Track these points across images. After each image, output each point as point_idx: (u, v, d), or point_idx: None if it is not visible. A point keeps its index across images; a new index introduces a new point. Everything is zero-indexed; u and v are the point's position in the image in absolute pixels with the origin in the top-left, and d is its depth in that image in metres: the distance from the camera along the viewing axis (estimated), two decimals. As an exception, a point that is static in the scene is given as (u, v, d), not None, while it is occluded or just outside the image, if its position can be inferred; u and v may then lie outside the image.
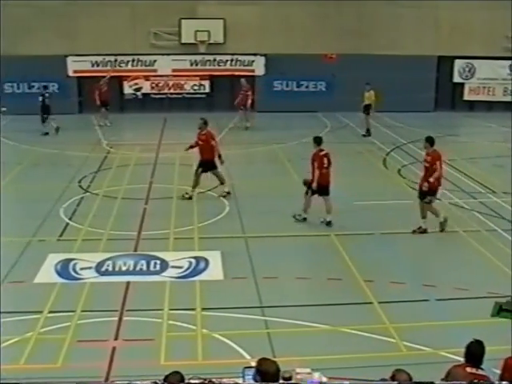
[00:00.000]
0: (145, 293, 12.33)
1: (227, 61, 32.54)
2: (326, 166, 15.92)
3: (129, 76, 32.69)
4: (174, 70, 32.56)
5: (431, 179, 14.98)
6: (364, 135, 27.34)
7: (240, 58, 32.45)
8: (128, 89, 32.87)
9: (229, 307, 11.42)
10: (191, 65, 32.57)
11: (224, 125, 28.42)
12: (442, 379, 7.05)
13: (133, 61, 32.34)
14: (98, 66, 32.30)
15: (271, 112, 30.82)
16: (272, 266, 13.42)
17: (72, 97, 32.30)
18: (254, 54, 32.28)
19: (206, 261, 13.72)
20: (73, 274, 13.20)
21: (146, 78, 32.74)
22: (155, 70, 32.60)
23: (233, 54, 32.38)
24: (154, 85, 32.87)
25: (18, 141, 25.98)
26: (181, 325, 10.91)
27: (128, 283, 12.70)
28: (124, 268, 13.48)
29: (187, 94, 32.89)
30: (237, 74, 31.97)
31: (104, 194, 18.85)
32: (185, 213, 17.06)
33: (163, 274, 13.20)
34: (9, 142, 25.99)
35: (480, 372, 7.07)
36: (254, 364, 6.55)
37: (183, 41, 31.88)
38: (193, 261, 13.73)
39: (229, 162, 20.64)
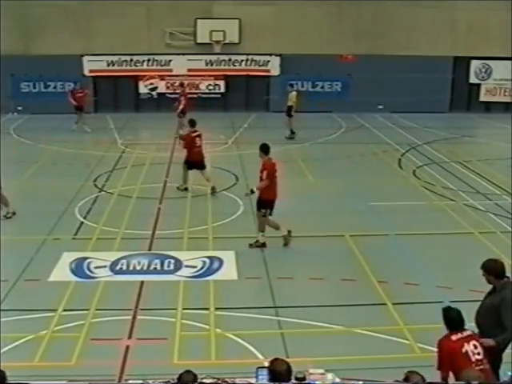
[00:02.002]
0: (159, 292, 12.35)
1: (242, 61, 32.58)
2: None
3: (144, 76, 32.81)
4: (189, 70, 32.66)
5: (254, 188, 14.44)
6: (288, 137, 26.75)
7: (255, 58, 32.48)
8: (143, 88, 32.99)
9: (242, 307, 11.42)
10: (206, 65, 32.65)
11: (239, 124, 28.45)
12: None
13: (148, 60, 32.47)
14: (113, 65, 32.46)
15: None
16: (286, 267, 13.42)
17: (88, 96, 32.38)
18: (270, 54, 32.30)
19: (220, 260, 13.73)
20: (87, 272, 13.24)
21: (162, 78, 32.85)
22: (170, 70, 32.73)
23: (248, 54, 32.42)
24: (169, 84, 32.96)
25: (34, 140, 26.14)
26: (194, 324, 10.91)
27: (142, 282, 12.72)
28: (138, 267, 13.50)
29: (202, 93, 32.98)
30: (252, 74, 32.03)
31: (119, 193, 18.91)
32: (199, 212, 17.08)
33: (177, 273, 13.22)
34: (25, 141, 26.18)
35: (466, 334, 7.39)
36: (266, 364, 6.55)
37: (198, 41, 31.98)
38: (207, 260, 13.73)
39: (244, 161, 20.69)
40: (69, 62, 31.10)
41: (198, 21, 31.62)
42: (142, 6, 31.15)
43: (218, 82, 32.99)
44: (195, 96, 32.55)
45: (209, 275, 13.10)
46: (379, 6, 31.47)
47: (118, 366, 9.52)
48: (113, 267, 13.44)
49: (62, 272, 13.22)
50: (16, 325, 10.91)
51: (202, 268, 13.40)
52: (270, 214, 14.50)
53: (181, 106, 26.52)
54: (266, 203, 14.41)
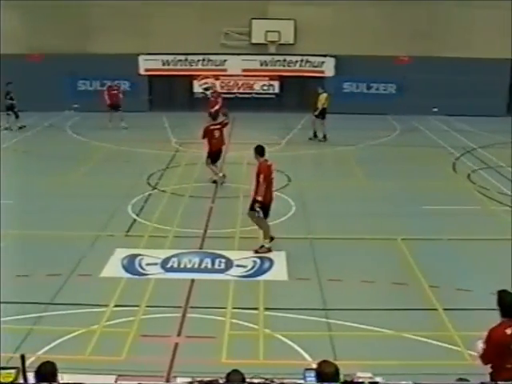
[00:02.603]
0: (209, 290, 12.41)
1: (297, 61, 32.52)
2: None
3: (199, 75, 32.99)
4: (243, 70, 32.74)
5: (258, 198, 14.02)
6: (311, 138, 26.65)
7: (310, 58, 32.39)
8: (198, 88, 33.16)
9: (292, 308, 11.41)
10: (261, 65, 32.68)
11: (293, 125, 28.42)
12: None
13: (203, 60, 32.66)
14: (168, 64, 32.73)
15: (340, 114, 30.62)
16: (336, 268, 13.34)
17: (143, 95, 32.80)
18: (324, 55, 32.17)
19: (271, 261, 13.73)
20: (139, 269, 13.38)
21: (216, 78, 32.98)
22: (225, 70, 32.85)
23: (303, 55, 32.34)
24: (223, 84, 33.09)
25: (89, 137, 26.54)
26: (243, 324, 10.94)
27: (192, 280, 12.80)
28: (189, 265, 13.59)
29: (256, 93, 33.04)
30: (306, 75, 31.96)
31: (171, 191, 19.06)
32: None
33: (228, 272, 13.27)
34: (81, 139, 26.60)
35: None
36: (314, 366, 6.52)
37: (253, 41, 32.05)
38: (257, 260, 13.75)
39: (297, 162, 20.65)
40: (125, 61, 31.48)
41: (254, 21, 31.69)
42: (199, 7, 31.30)
43: (272, 82, 33.01)
44: (249, 96, 32.71)
45: (259, 275, 13.12)
46: (435, 7, 31.04)
47: (166, 362, 9.60)
48: (164, 265, 13.56)
49: (113, 268, 13.39)
50: (68, 318, 11.10)
51: (252, 268, 13.43)
52: (267, 217, 14.36)
53: (216, 107, 26.21)
54: (254, 203, 14.24)
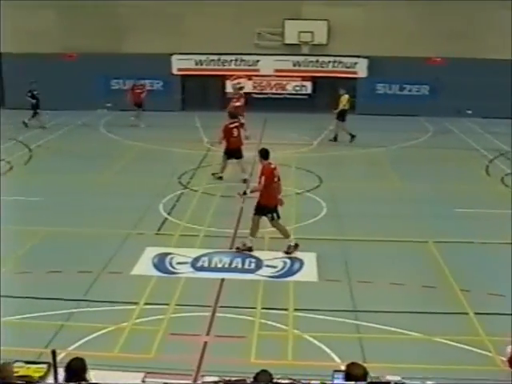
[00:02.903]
0: (238, 290, 12.43)
1: (330, 62, 32.44)
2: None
3: (232, 75, 33.04)
4: (276, 71, 32.74)
5: (248, 190, 14.54)
6: (332, 140, 26.56)
7: (343, 59, 32.29)
8: (230, 88, 33.14)
9: (321, 309, 11.37)
10: (294, 65, 32.65)
11: (325, 126, 28.34)
12: None
13: (236, 60, 32.72)
14: (201, 64, 32.85)
15: (372, 115, 30.57)
16: (367, 270, 13.27)
17: (175, 94, 32.96)
18: (357, 56, 32.05)
19: (301, 262, 13.70)
20: (169, 267, 13.43)
21: (249, 78, 33.01)
22: (258, 70, 32.87)
23: (335, 56, 32.24)
24: (256, 84, 33.13)
25: (122, 136, 26.73)
26: (272, 324, 10.92)
27: (222, 280, 12.81)
28: (219, 265, 13.61)
29: (289, 94, 33.00)
30: (339, 75, 31.87)
31: (203, 190, 19.11)
32: (282, 212, 17.03)
33: (258, 272, 13.27)
34: (113, 137, 26.79)
35: None
36: (343, 367, 6.50)
37: (286, 41, 32.02)
38: (288, 261, 13.73)
39: (329, 163, 20.57)
40: (158, 60, 31.69)
41: (287, 21, 31.67)
42: (232, 7, 31.37)
43: (304, 83, 32.95)
44: (281, 97, 32.72)
45: (289, 276, 13.09)
46: (470, 8, 30.68)
47: (195, 361, 9.61)
48: (194, 264, 13.59)
49: (144, 266, 13.46)
50: (98, 315, 11.19)
51: (282, 268, 13.41)
52: (278, 217, 14.35)
53: (238, 103, 26.13)
54: (263, 209, 14.26)
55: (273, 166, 14.31)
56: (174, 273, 13.20)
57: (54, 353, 6.72)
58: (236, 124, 20.35)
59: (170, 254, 14.07)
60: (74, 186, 19.38)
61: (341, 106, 26.31)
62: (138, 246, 14.40)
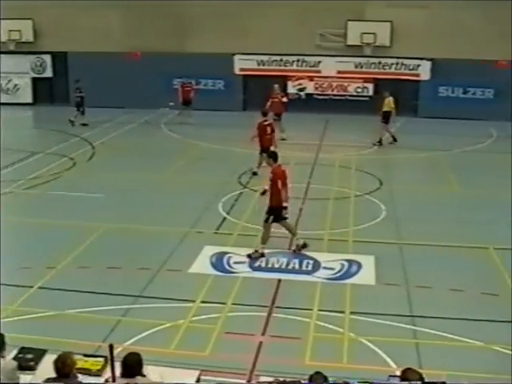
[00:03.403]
0: (295, 291, 12.41)
1: (392, 64, 32.09)
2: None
3: (293, 76, 33.03)
4: (338, 72, 32.56)
5: (284, 204, 14.01)
6: (376, 143, 26.12)
7: (405, 61, 31.90)
8: (292, 88, 33.21)
9: (378, 313, 11.26)
10: (356, 67, 32.43)
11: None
12: None
13: (298, 61, 32.67)
14: (263, 65, 32.90)
15: (435, 118, 30.17)
16: (426, 275, 13.08)
17: (237, 94, 33.08)
18: (420, 59, 31.61)
19: (359, 264, 13.61)
20: (226, 267, 13.50)
21: (310, 79, 32.95)
22: (319, 71, 32.75)
23: (398, 58, 31.87)
24: (317, 85, 33.03)
25: (183, 134, 26.98)
26: (328, 326, 10.87)
27: (279, 280, 12.82)
28: (277, 265, 13.62)
29: (350, 96, 32.76)
30: (401, 77, 31.55)
31: (262, 191, 19.10)
32: (341, 215, 17.01)
33: (315, 274, 13.22)
34: (174, 136, 27.05)
35: None
36: (398, 373, 6.42)
37: (349, 43, 31.81)
38: (345, 263, 13.65)
39: (389, 166, 20.38)
40: (220, 60, 31.88)
41: (349, 23, 31.47)
42: (294, 7, 31.32)
43: (366, 84, 32.68)
44: (342, 98, 32.54)
45: (346, 278, 13.02)
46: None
47: (249, 361, 9.64)
48: (252, 264, 13.62)
49: (202, 264, 13.56)
50: (155, 312, 11.32)
51: (340, 271, 13.34)
52: (286, 219, 14.26)
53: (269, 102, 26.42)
54: (275, 210, 14.07)
55: (283, 168, 14.38)
56: (231, 272, 13.26)
57: (111, 347, 6.81)
58: (269, 122, 20.74)
59: (227, 253, 14.14)
60: (134, 183, 19.64)
61: (385, 108, 26.12)
62: (197, 245, 14.51)
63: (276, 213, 14.04)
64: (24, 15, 33.40)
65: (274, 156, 14.54)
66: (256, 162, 20.40)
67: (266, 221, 14.07)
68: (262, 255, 13.98)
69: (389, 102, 26.14)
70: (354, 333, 10.64)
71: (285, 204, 13.92)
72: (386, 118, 26.10)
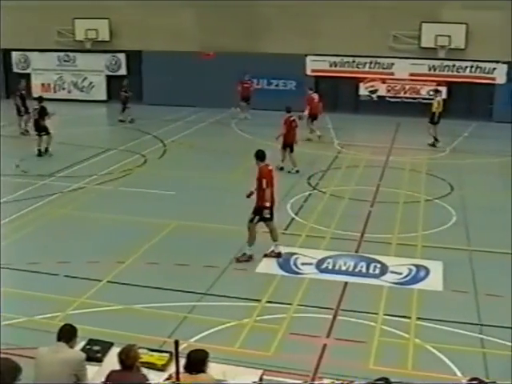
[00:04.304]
0: (361, 294, 12.30)
1: (467, 67, 31.49)
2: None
3: (365, 78, 32.79)
4: (411, 74, 32.14)
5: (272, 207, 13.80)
6: (431, 144, 25.93)
7: (480, 64, 31.25)
8: (364, 90, 32.98)
9: (445, 320, 11.07)
10: (429, 70, 31.96)
11: (459, 133, 27.64)
12: None
13: (370, 63, 32.40)
14: (335, 66, 32.77)
15: (510, 123, 29.46)
16: (495, 284, 12.78)
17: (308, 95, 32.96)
18: (496, 62, 30.94)
19: (427, 270, 13.41)
20: (293, 267, 13.49)
21: (383, 81, 32.65)
22: (392, 73, 32.42)
23: (473, 61, 31.26)
24: (389, 88, 32.69)
25: (253, 134, 27.06)
26: (394, 331, 10.75)
27: (346, 283, 12.74)
28: (344, 268, 13.55)
29: (423, 99, 32.26)
30: (476, 81, 30.96)
31: (331, 192, 19.06)
32: (410, 219, 16.80)
33: (382, 277, 13.10)
34: (245, 135, 27.16)
35: None
36: (464, 382, 6.31)
37: (423, 45, 31.37)
38: (413, 268, 13.48)
39: (461, 171, 20.02)
40: (292, 60, 31.89)
41: (424, 24, 31.00)
42: (368, 8, 31.06)
43: (439, 87, 32.08)
44: (415, 101, 32.12)
45: (413, 283, 12.85)
46: None
47: (313, 362, 9.61)
48: (319, 265, 13.59)
49: (269, 264, 13.59)
50: (221, 310, 11.40)
51: (407, 275, 13.18)
52: (271, 220, 13.97)
53: (306, 112, 26.30)
54: (261, 210, 13.82)
55: (270, 168, 14.13)
56: (298, 273, 13.25)
57: (176, 343, 6.89)
58: (294, 118, 21.48)
59: (295, 253, 14.12)
60: (205, 181, 19.82)
61: (433, 109, 26.09)
62: (264, 245, 14.53)
63: (262, 212, 13.83)
64: (101, 15, 34.15)
65: (260, 155, 14.21)
66: (281, 158, 21.28)
67: (251, 221, 13.85)
68: (251, 258, 13.81)
69: (438, 103, 26.07)
70: (420, 339, 10.49)
71: (267, 204, 13.64)
72: (432, 118, 26.05)
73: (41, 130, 23.24)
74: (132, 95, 30.49)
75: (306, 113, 26.25)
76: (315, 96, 27.35)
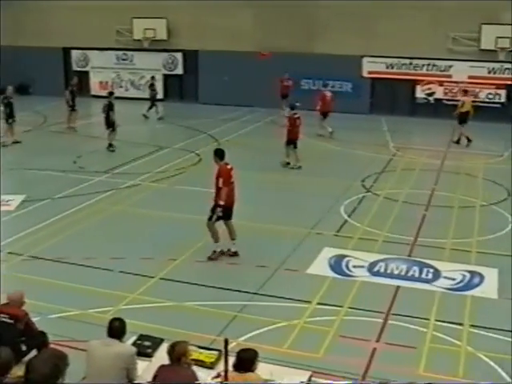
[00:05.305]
0: (413, 299, 12.15)
1: (527, 70, 30.89)
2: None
3: (422, 80, 32.41)
4: (469, 77, 31.63)
5: (220, 202, 13.63)
6: (466, 145, 26.04)
7: (542, 68, 30.61)
8: (420, 93, 32.61)
9: (499, 328, 10.86)
10: (489, 72, 31.41)
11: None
12: None
13: (428, 65, 32.01)
14: (392, 68, 32.47)
15: None
16: (553, 293, 12.51)
17: (364, 97, 32.82)
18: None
19: (481, 276, 13.18)
20: (345, 270, 13.41)
21: (440, 84, 32.22)
22: (450, 76, 31.97)
23: (534, 64, 30.64)
24: (447, 91, 32.24)
25: (307, 135, 26.95)
26: (445, 338, 10.58)
27: (397, 287, 12.61)
28: (396, 271, 13.41)
29: (481, 102, 31.68)
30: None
31: (385, 195, 18.89)
32: (465, 224, 16.54)
33: (434, 283, 12.92)
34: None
35: None
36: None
37: (482, 47, 30.82)
38: (467, 274, 13.27)
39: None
40: (348, 62, 31.74)
41: (483, 26, 30.46)
42: (426, 9, 30.65)
43: (499, 91, 31.58)
44: (473, 104, 31.63)
45: (467, 290, 12.64)
46: None
47: (362, 366, 9.53)
48: (370, 268, 13.48)
49: (320, 266, 13.53)
50: (271, 310, 11.40)
51: (460, 281, 12.97)
52: (229, 219, 13.97)
53: (318, 108, 27.39)
54: (218, 208, 13.69)
55: (229, 167, 13.97)
56: (349, 275, 13.17)
57: (226, 341, 6.91)
58: (298, 115, 21.92)
59: (346, 256, 14.04)
60: (258, 181, 19.86)
61: (462, 109, 26.16)
62: (316, 246, 14.51)
63: (223, 210, 13.77)
64: (159, 14, 34.52)
65: (220, 154, 14.10)
66: (286, 153, 21.90)
67: (210, 219, 13.79)
68: (222, 253, 13.93)
69: (468, 103, 26.11)
70: (472, 347, 10.30)
71: (221, 202, 13.58)
72: (460, 118, 26.15)
73: (109, 125, 23.80)
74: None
75: (318, 109, 27.28)
76: (328, 94, 28.00)
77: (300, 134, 22.07)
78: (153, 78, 32.28)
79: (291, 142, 21.83)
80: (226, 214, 13.88)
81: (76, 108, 27.79)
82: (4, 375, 5.89)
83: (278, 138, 24.85)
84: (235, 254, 14.02)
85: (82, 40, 36.36)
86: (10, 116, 24.73)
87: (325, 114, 27.28)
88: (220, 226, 13.97)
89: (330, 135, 26.91)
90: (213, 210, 13.81)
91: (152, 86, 31.39)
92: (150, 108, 30.81)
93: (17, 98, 26.18)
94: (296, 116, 21.77)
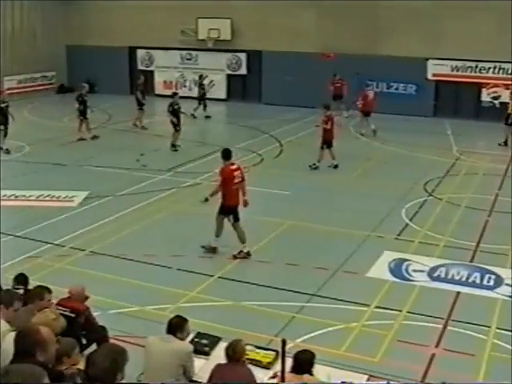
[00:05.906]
0: (473, 306, 11.98)
1: None
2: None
3: (488, 83, 31.83)
4: (538, 81, 30.92)
5: (208, 195, 14.15)
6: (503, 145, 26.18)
7: None
8: (485, 96, 32.03)
9: (562, 338, 10.64)
10: (557, 76, 30.65)
11: None
12: None
13: (494, 68, 31.41)
14: (457, 70, 31.97)
15: None
16: None
17: (428, 100, 32.40)
18: None
19: (545, 284, 12.92)
20: (405, 274, 13.29)
21: (506, 87, 31.54)
22: (517, 79, 31.31)
23: None
24: (514, 94, 31.56)
25: (370, 137, 26.86)
26: (506, 346, 10.39)
27: (458, 293, 12.45)
28: (457, 277, 13.22)
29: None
30: None
31: (447, 199, 18.64)
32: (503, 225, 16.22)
33: (496, 290, 12.70)
34: (362, 138, 26.97)
35: None
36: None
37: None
38: (531, 282, 13.02)
39: None
40: (412, 64, 31.37)
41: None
42: (493, 10, 29.97)
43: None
44: None
45: (530, 298, 12.40)
46: None
47: (420, 372, 9.45)
48: (431, 273, 13.33)
49: (380, 269, 13.44)
50: (329, 312, 11.38)
51: (524, 289, 12.74)
52: (236, 220, 13.93)
53: (359, 105, 27.91)
54: (224, 209, 13.83)
55: (234, 167, 13.97)
56: (409, 280, 13.04)
57: (283, 342, 6.94)
58: (332, 116, 22.07)
59: (407, 260, 13.92)
60: (320, 183, 19.88)
61: (509, 111, 25.97)
62: (376, 249, 14.42)
63: (228, 211, 13.89)
64: (223, 15, 34.74)
65: (225, 154, 14.15)
66: (318, 158, 21.66)
67: (220, 219, 14.06)
68: (213, 249, 14.09)
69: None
70: (534, 356, 10.11)
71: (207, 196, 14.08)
72: (506, 119, 26.08)
73: (173, 124, 24.22)
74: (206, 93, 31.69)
75: (359, 106, 27.69)
76: (370, 93, 28.10)
77: (333, 134, 21.81)
78: (201, 76, 32.10)
79: (326, 142, 21.67)
80: (228, 213, 13.96)
81: (143, 108, 28.26)
82: (61, 363, 6.05)
83: (340, 139, 24.78)
84: (248, 254, 13.97)
85: (147, 39, 36.86)
86: (82, 113, 25.66)
87: (366, 113, 27.43)
88: (244, 226, 14.05)
89: (373, 134, 26.90)
90: (221, 208, 14.09)
91: (201, 85, 31.42)
92: (202, 107, 30.96)
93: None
94: (330, 116, 21.78)
